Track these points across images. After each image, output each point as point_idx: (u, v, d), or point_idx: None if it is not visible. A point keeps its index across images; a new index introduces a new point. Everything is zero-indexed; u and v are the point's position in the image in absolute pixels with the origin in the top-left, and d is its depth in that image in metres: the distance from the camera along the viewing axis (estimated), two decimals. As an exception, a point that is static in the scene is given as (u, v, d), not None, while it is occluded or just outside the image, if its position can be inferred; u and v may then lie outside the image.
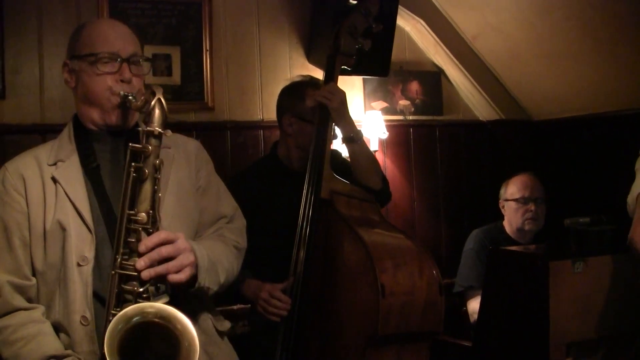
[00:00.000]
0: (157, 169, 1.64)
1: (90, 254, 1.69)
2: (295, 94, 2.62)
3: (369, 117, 4.02)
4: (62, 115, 3.38)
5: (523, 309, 2.46)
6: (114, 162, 1.82)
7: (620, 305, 2.46)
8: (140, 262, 1.58)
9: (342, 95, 2.48)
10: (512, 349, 2.50)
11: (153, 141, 1.64)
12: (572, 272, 2.40)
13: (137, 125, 1.89)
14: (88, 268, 1.68)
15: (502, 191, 3.66)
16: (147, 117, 1.67)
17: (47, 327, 1.69)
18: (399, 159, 4.26)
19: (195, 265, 1.69)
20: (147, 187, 1.63)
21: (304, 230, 2.34)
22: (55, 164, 1.78)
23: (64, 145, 1.83)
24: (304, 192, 2.38)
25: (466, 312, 3.47)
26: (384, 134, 4.00)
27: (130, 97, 1.74)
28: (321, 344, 2.29)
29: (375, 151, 4.00)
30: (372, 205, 2.47)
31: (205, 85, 3.70)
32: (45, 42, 3.40)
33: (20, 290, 1.70)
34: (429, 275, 2.21)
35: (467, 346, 3.24)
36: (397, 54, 4.04)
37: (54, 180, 1.75)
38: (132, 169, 1.64)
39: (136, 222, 1.61)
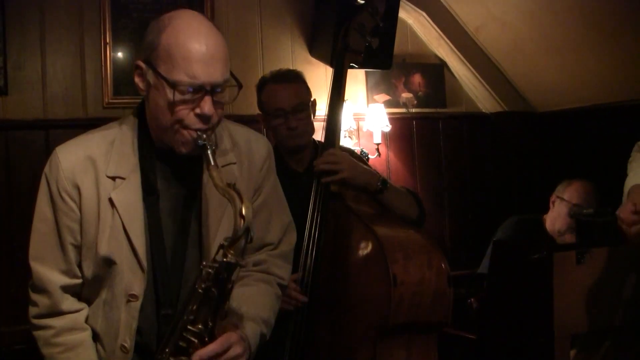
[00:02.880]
0: (227, 291, 1.53)
1: (140, 291, 1.64)
2: (258, 89, 2.60)
3: (372, 110, 4.01)
4: (65, 111, 3.39)
5: (527, 300, 2.46)
6: (173, 185, 1.69)
7: (626, 297, 2.46)
8: None
9: (347, 158, 2.41)
10: (516, 341, 2.50)
11: (230, 270, 1.51)
12: (577, 263, 2.40)
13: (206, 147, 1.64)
14: (137, 304, 1.64)
15: (560, 187, 3.57)
16: (229, 241, 1.50)
17: (88, 337, 1.68)
18: (402, 151, 4.26)
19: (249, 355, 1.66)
20: (212, 304, 1.53)
21: (314, 224, 2.34)
22: (114, 179, 1.63)
23: (126, 155, 1.65)
24: (314, 186, 2.38)
25: (471, 303, 3.47)
26: (387, 127, 4.00)
27: (208, 152, 1.53)
28: (331, 335, 2.31)
29: (378, 144, 4.01)
30: None
31: (207, 79, 3.70)
32: (48, 38, 3.40)
33: (70, 290, 1.68)
34: (438, 267, 2.24)
35: (471, 338, 3.25)
36: (399, 46, 4.04)
37: (112, 203, 1.61)
38: (201, 290, 1.52)
39: (192, 331, 1.52)
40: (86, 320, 1.70)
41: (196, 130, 1.55)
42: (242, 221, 1.46)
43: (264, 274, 1.84)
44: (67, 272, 1.67)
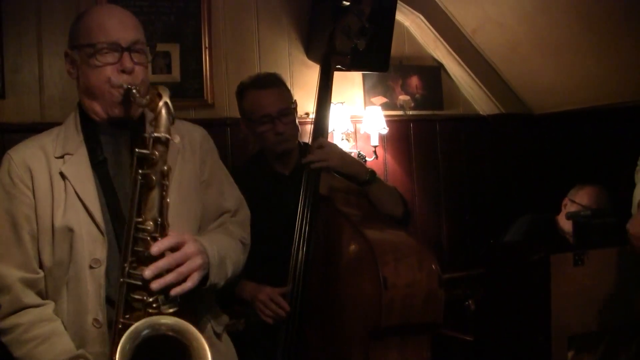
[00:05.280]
0: (164, 176, 1.57)
1: (102, 256, 1.65)
2: (238, 96, 2.60)
3: (369, 112, 4.01)
4: (62, 114, 3.34)
5: (525, 302, 2.46)
6: (119, 154, 1.76)
7: (623, 298, 2.46)
8: (147, 272, 1.52)
9: (335, 148, 2.43)
10: (514, 342, 2.50)
11: (160, 147, 1.57)
12: (574, 265, 2.40)
13: (143, 115, 1.81)
14: (100, 270, 1.65)
15: (573, 190, 3.60)
16: (154, 121, 1.60)
17: (59, 326, 1.67)
18: (399, 154, 4.26)
19: (207, 263, 1.66)
20: (154, 194, 1.56)
21: (303, 228, 2.33)
22: (62, 157, 1.72)
23: (71, 136, 1.76)
24: (302, 188, 2.37)
25: (468, 306, 3.47)
26: (384, 130, 4.00)
27: (133, 91, 1.66)
28: (323, 340, 2.30)
29: (375, 147, 4.01)
30: (369, 202, 2.48)
31: (204, 82, 3.70)
32: (45, 41, 3.40)
33: (31, 285, 1.68)
34: (429, 268, 2.24)
35: (468, 340, 3.25)
36: (396, 49, 4.04)
37: (63, 176, 1.69)
38: (139, 176, 1.56)
39: (144, 230, 1.56)
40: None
41: (124, 88, 1.68)
42: (159, 98, 1.59)
43: (225, 229, 1.90)
44: (26, 266, 1.68)
